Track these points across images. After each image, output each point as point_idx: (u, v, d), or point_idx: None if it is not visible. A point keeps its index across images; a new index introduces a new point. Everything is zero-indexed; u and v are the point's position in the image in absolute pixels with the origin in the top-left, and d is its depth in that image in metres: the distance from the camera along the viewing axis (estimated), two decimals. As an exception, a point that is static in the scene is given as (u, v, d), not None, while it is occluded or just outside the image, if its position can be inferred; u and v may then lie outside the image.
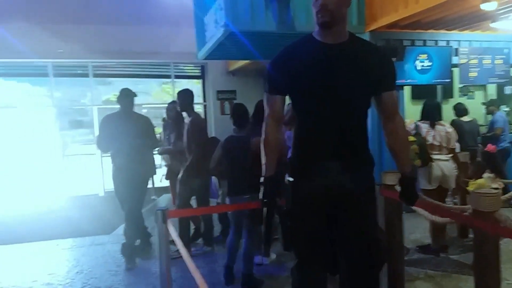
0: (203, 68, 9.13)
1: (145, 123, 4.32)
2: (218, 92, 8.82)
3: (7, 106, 8.65)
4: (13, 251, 4.74)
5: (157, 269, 3.85)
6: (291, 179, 2.06)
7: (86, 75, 8.48)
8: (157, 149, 4.81)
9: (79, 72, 8.77)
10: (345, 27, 1.94)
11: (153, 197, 6.92)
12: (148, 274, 3.84)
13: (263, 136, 2.05)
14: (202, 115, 8.74)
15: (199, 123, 4.27)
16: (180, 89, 4.53)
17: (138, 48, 7.98)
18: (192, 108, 4.28)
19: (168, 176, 5.58)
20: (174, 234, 2.58)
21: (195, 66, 9.25)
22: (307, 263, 2.03)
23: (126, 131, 4.07)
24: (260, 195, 2.04)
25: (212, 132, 8.12)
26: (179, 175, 4.24)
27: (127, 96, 4.23)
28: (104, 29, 7.69)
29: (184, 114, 4.40)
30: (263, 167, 2.04)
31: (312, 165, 1.96)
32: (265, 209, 2.72)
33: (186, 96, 4.28)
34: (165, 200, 6.80)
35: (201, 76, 9.26)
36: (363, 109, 1.99)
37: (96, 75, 8.50)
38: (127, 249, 4.12)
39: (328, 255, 2.05)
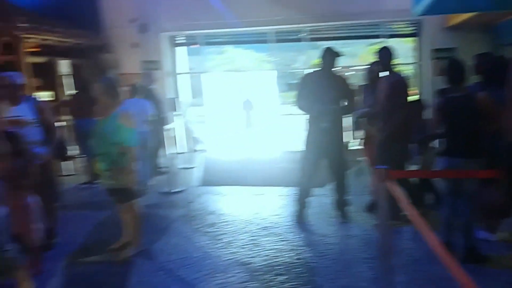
0: (417, 25, 8.49)
1: (344, 84, 4.30)
2: (435, 50, 8.09)
3: (237, 69, 10.13)
4: (243, 192, 5.67)
5: (367, 224, 4.06)
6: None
7: (301, 40, 9.03)
8: (354, 112, 4.75)
9: (294, 37, 9.43)
10: None
11: (358, 158, 7.05)
12: (361, 228, 4.06)
13: None
14: (414, 76, 8.25)
15: (401, 84, 3.96)
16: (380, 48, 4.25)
17: (350, 9, 7.99)
18: (393, 68, 4.06)
19: (365, 140, 5.55)
20: (398, 193, 2.62)
21: (408, 24, 8.69)
22: None
23: (325, 91, 4.11)
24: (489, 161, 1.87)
25: (425, 93, 7.61)
26: (379, 139, 4.09)
27: (330, 55, 4.23)
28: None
29: (384, 74, 4.15)
30: (509, 131, 1.85)
31: None
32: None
33: (387, 54, 4.06)
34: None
35: (415, 34, 8.64)
36: None
37: (310, 39, 8.96)
38: (340, 204, 4.40)
39: None
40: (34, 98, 3.84)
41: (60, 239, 3.95)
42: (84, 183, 6.34)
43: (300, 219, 4.36)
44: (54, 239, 3.91)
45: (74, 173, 6.75)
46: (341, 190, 4.40)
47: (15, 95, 3.60)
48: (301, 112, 4.35)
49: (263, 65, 10.38)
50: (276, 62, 9.71)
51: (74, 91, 7.65)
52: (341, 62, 4.38)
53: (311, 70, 4.46)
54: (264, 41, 9.51)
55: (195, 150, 8.76)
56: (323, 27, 8.98)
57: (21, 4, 8.88)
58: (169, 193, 5.68)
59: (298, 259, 3.49)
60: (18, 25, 7.33)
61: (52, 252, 3.72)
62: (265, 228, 4.23)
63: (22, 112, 3.55)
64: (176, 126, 7.74)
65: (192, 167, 7.35)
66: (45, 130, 3.69)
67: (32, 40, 7.69)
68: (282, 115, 9.23)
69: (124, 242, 3.76)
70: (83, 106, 6.29)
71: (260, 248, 3.73)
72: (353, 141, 6.18)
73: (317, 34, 9.12)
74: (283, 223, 4.36)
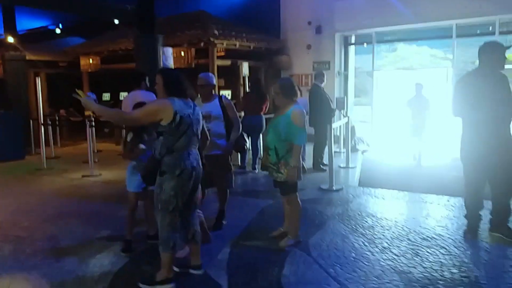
0: None
1: (507, 85, 3.62)
2: None
3: (409, 68, 9.55)
4: (404, 197, 5.37)
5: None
6: None
7: (491, 34, 7.97)
8: None
9: (479, 31, 8.39)
10: None
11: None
12: None
13: None
14: None
15: None
16: None
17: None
18: None
19: None
20: None
21: None
22: None
23: (489, 93, 3.53)
24: None
25: None
26: None
27: (491, 52, 3.61)
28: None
29: None
30: None
31: None
32: None
33: None
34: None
35: None
36: None
37: (501, 33, 7.82)
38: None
39: None
40: (221, 96, 4.35)
41: (227, 221, 4.45)
42: (250, 173, 7.00)
43: (470, 235, 3.91)
44: (224, 221, 4.43)
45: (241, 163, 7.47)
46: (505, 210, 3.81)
47: (209, 93, 4.20)
48: (457, 118, 3.85)
49: (439, 62, 9.52)
50: (454, 59, 8.79)
51: (247, 90, 8.48)
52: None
53: (470, 71, 3.88)
54: (444, 37, 8.74)
55: (357, 150, 8.66)
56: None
57: (215, 12, 10.25)
58: (328, 190, 5.78)
59: (464, 276, 3.16)
60: (213, 32, 8.50)
61: (220, 232, 4.22)
62: (427, 238, 3.94)
63: (212, 108, 4.12)
64: (341, 125, 7.81)
65: (353, 167, 7.30)
66: (227, 125, 4.19)
67: (221, 45, 8.82)
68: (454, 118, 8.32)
69: (283, 231, 4.02)
70: (252, 104, 6.94)
71: (420, 258, 3.50)
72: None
73: (510, 27, 7.92)
74: (449, 235, 3.98)
